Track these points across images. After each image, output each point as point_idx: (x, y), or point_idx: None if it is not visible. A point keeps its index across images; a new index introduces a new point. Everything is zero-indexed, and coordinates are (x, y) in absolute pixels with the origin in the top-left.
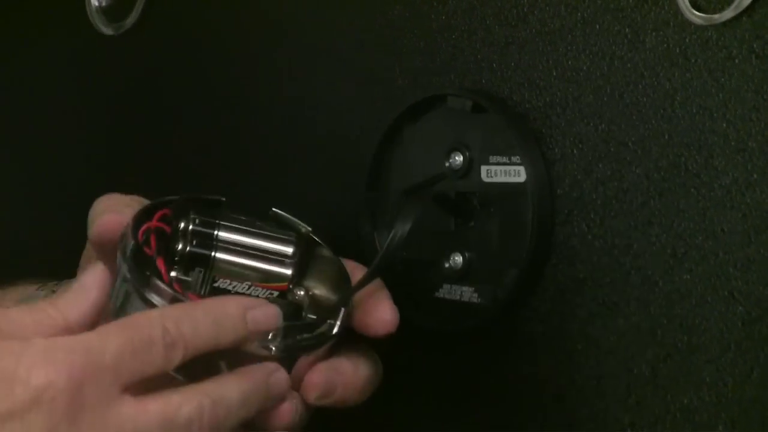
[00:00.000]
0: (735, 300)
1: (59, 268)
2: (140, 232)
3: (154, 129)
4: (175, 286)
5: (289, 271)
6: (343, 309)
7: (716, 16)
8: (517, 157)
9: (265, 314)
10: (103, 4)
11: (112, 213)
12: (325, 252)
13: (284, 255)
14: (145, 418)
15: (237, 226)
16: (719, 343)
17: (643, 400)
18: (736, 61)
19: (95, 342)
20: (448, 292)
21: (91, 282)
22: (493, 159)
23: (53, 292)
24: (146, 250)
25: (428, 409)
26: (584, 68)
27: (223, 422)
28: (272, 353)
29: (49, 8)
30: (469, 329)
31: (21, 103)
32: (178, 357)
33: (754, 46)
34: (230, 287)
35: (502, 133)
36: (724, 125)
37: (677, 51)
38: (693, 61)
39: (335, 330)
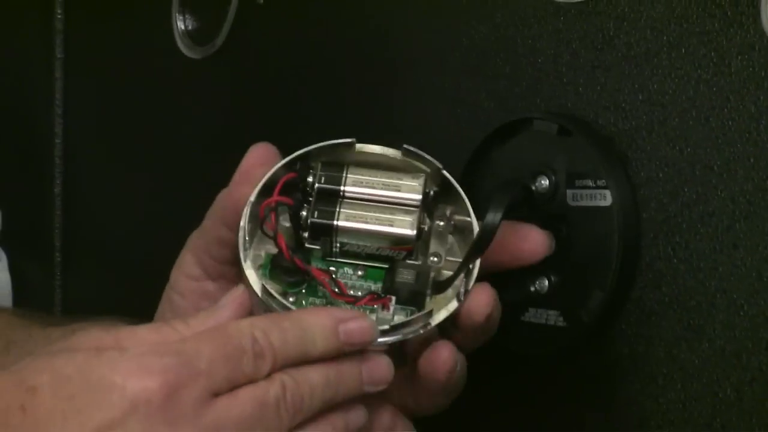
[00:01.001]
0: None
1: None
2: (261, 208)
3: (240, 152)
4: (297, 261)
5: (412, 233)
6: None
7: None
8: (603, 180)
9: (361, 328)
10: (189, 27)
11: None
12: (456, 188)
13: (411, 204)
14: (240, 407)
15: (363, 177)
16: None
17: (728, 423)
18: None
19: (189, 348)
20: (533, 315)
21: (227, 301)
22: (578, 182)
23: None
24: (267, 226)
25: (514, 430)
26: (670, 92)
27: (308, 401)
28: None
29: (137, 31)
30: (554, 352)
31: (106, 127)
32: (266, 366)
33: None
34: (359, 251)
35: (587, 156)
36: None
37: (763, 74)
38: None
39: (457, 304)
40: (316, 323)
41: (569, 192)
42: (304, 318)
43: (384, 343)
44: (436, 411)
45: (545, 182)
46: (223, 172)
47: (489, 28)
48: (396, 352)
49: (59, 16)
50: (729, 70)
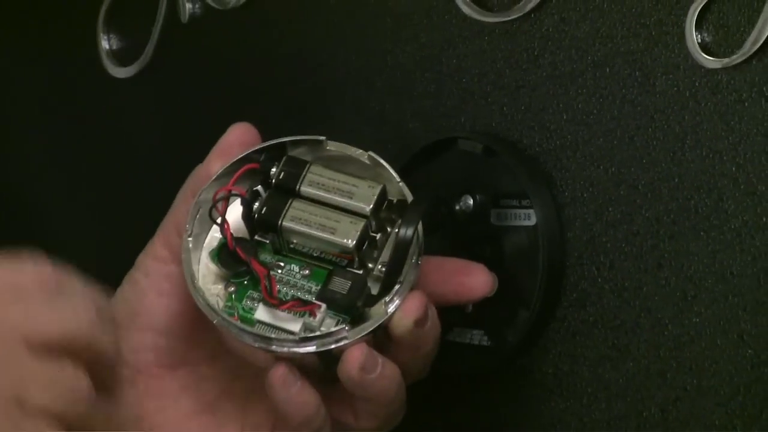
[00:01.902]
0: (744, 343)
1: None
2: (215, 194)
3: (171, 170)
4: (239, 250)
5: (350, 243)
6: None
7: (726, 59)
8: (528, 200)
9: None
10: (114, 47)
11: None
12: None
13: (359, 213)
14: None
15: (322, 178)
16: (729, 386)
17: None
18: (746, 104)
19: None
20: (458, 335)
21: None
22: (503, 202)
23: None
24: (217, 210)
25: None
26: (595, 111)
27: None
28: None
29: (61, 51)
30: (478, 372)
31: (35, 150)
32: None
33: (764, 89)
34: (305, 250)
35: (512, 176)
36: (734, 168)
37: (687, 94)
38: (703, 104)
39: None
40: None
41: (494, 212)
42: None
43: (294, 353)
44: (379, 430)
45: (470, 202)
46: (153, 190)
47: (414, 48)
48: (326, 365)
49: None
50: (654, 90)
